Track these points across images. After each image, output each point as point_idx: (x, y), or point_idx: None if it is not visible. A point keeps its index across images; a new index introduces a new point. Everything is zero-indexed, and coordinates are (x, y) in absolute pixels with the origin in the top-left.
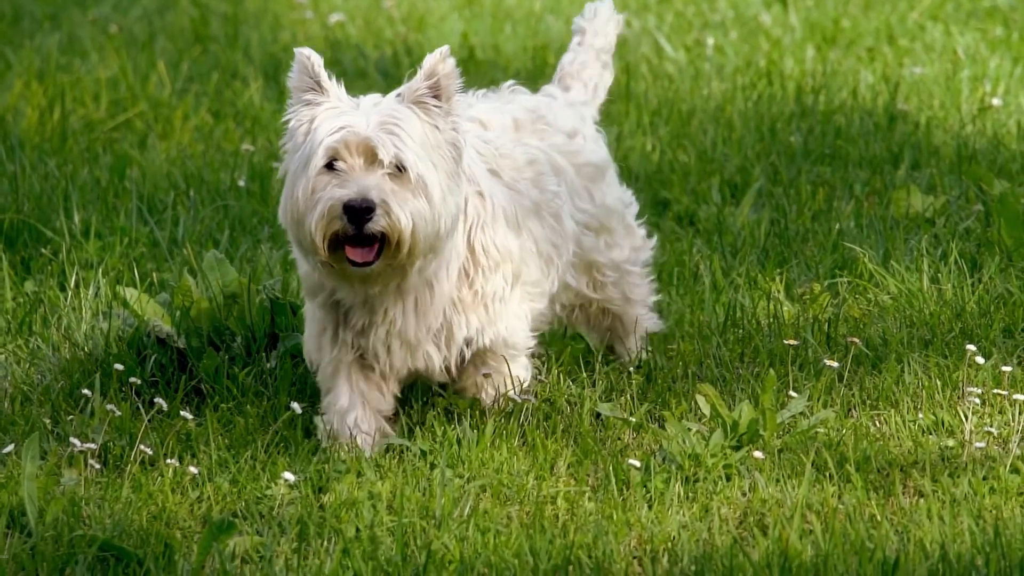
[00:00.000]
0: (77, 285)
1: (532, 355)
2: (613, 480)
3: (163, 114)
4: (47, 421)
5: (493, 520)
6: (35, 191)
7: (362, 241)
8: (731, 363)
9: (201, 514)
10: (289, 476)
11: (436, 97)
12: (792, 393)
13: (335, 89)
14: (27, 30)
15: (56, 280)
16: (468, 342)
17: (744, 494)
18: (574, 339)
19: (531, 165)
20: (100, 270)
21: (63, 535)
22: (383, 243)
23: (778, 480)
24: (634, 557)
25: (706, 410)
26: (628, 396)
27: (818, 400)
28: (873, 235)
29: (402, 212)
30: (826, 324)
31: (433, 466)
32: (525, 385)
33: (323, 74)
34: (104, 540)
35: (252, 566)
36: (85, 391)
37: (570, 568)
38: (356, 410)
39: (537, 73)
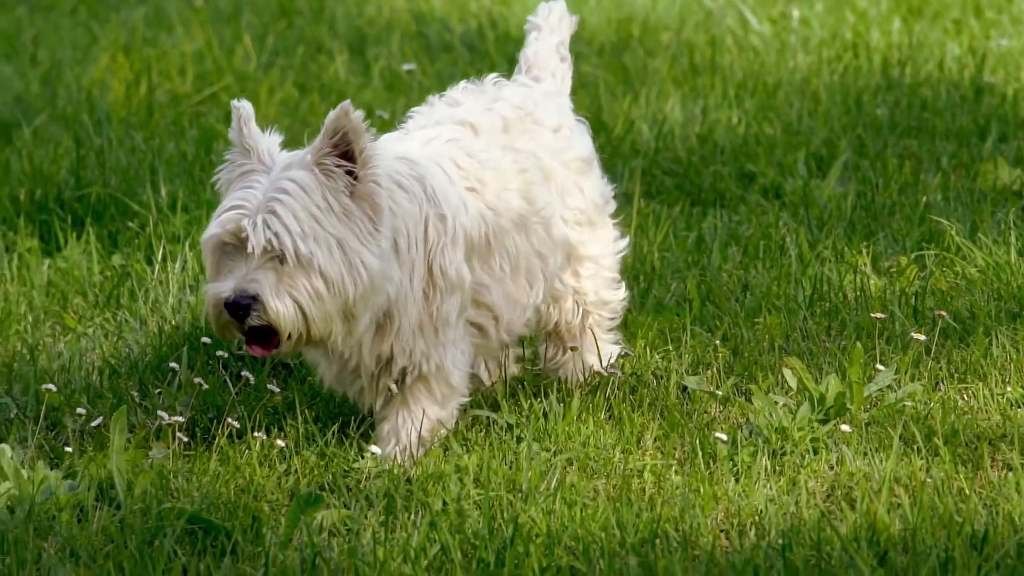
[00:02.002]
0: (164, 259)
1: (460, 404)
2: (700, 453)
3: (249, 88)
4: (135, 394)
5: (580, 493)
6: (122, 165)
7: (255, 334)
8: (818, 336)
9: (288, 487)
10: (376, 449)
11: (344, 155)
12: (879, 366)
13: (259, 145)
14: (113, 4)
15: (143, 254)
16: (408, 369)
17: (831, 467)
18: (659, 312)
19: (520, 175)
20: (187, 243)
21: (151, 508)
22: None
23: (865, 453)
24: (721, 531)
25: (793, 383)
26: (715, 369)
27: (905, 373)
28: (960, 208)
29: (280, 303)
30: (913, 297)
31: (520, 439)
32: (441, 433)
33: (246, 130)
34: (192, 513)
35: (339, 539)
36: (172, 364)
37: (657, 542)
38: None
39: (622, 46)
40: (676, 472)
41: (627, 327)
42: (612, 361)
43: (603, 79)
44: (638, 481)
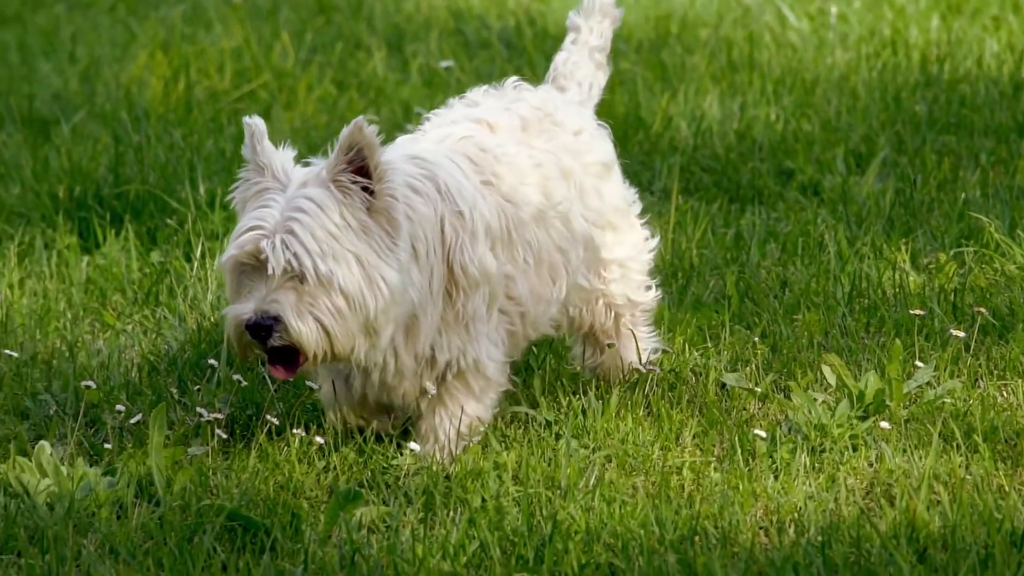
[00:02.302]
0: (203, 255)
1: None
2: (739, 450)
3: (287, 84)
4: (174, 391)
5: (619, 490)
6: (160, 162)
7: (277, 354)
8: (857, 333)
9: (328, 484)
10: (415, 446)
11: (359, 171)
12: (918, 363)
13: (273, 162)
14: (152, 1)
15: (182, 250)
16: (449, 365)
17: (871, 464)
18: (698, 309)
19: (536, 170)
20: (225, 240)
21: (191, 504)
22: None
23: (905, 450)
24: (760, 527)
25: (832, 380)
26: (753, 366)
27: (944, 370)
28: (999, 204)
29: (302, 323)
30: (952, 294)
31: (558, 436)
32: (480, 429)
33: (259, 147)
34: (231, 510)
35: (378, 536)
36: (212, 361)
37: (696, 538)
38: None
39: (660, 43)
40: (715, 469)
41: (665, 324)
42: (650, 357)
43: (641, 76)
44: (677, 478)
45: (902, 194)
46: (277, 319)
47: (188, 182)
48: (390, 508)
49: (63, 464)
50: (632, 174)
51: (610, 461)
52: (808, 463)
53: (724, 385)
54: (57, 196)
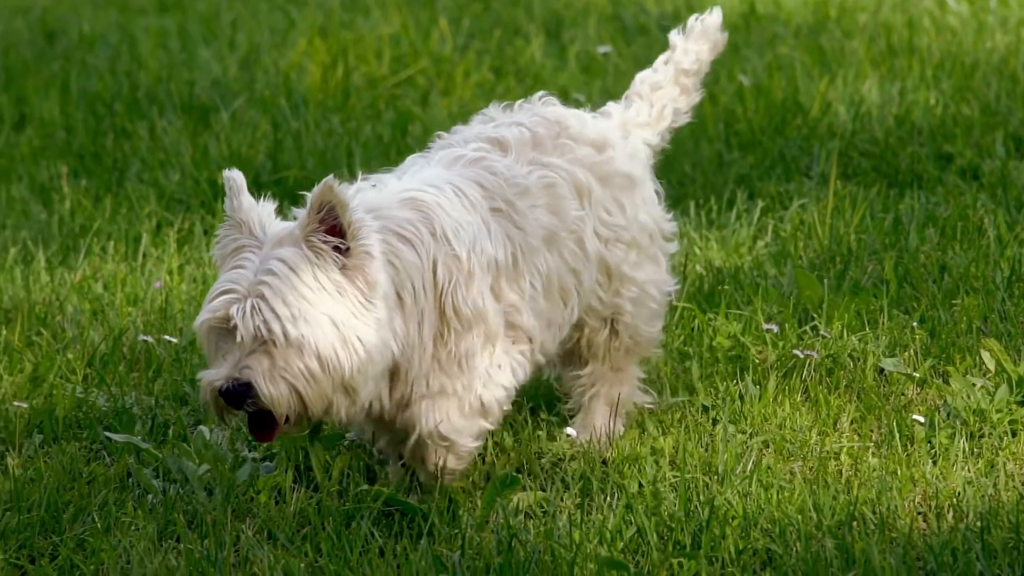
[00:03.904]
0: None
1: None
2: (897, 436)
3: (445, 71)
4: None
5: (776, 476)
6: (319, 148)
7: (256, 419)
8: (1016, 318)
9: (485, 469)
10: (572, 431)
11: (331, 230)
12: None
13: (250, 218)
14: None
15: None
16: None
17: None
18: (856, 294)
19: (548, 190)
20: None
21: (348, 489)
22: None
23: None
24: (919, 513)
25: (991, 365)
26: (912, 351)
27: None
28: None
29: (274, 388)
30: None
31: (716, 422)
32: (459, 451)
33: (237, 202)
34: (389, 495)
35: (535, 521)
36: None
37: (854, 524)
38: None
39: (818, 28)
40: (873, 454)
41: (825, 310)
42: (633, 399)
43: (800, 61)
44: (835, 463)
45: None
46: (249, 385)
47: (346, 168)
48: (547, 493)
49: (222, 449)
50: (790, 159)
51: (767, 446)
52: (967, 448)
53: (882, 370)
54: (216, 183)
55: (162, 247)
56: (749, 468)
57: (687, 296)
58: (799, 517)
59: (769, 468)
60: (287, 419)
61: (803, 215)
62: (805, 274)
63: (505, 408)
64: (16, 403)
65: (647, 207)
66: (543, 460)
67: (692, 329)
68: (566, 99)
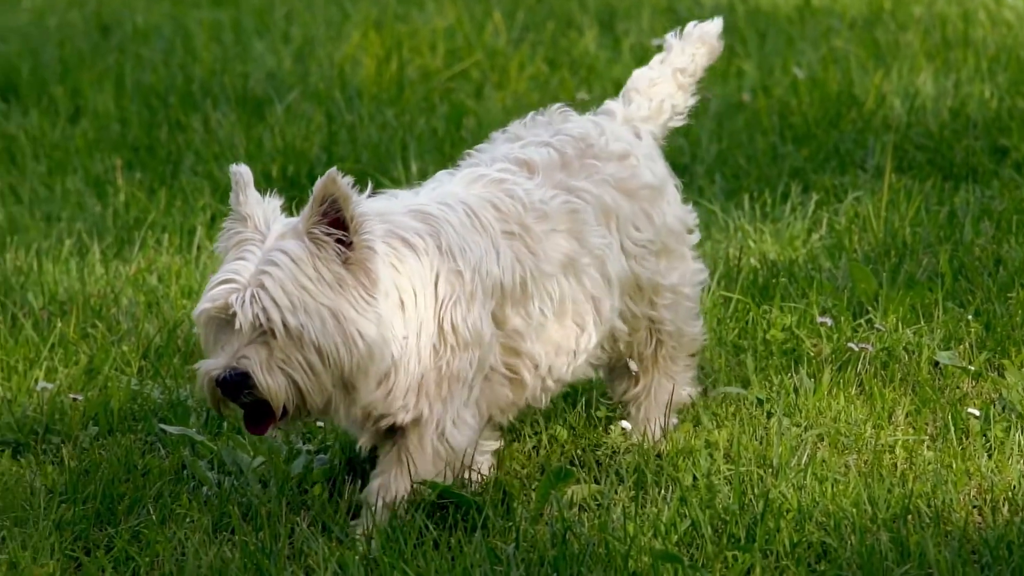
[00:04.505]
0: None
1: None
2: (952, 429)
3: (499, 63)
4: None
5: (831, 469)
6: (373, 141)
7: (252, 411)
8: None
9: (539, 462)
10: (626, 424)
11: (335, 222)
12: None
13: (255, 213)
14: None
15: None
16: (396, 427)
17: None
18: (911, 287)
19: (571, 216)
20: None
21: None
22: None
23: None
24: (974, 506)
25: None
26: (967, 344)
27: None
28: None
29: (271, 378)
30: None
31: (770, 415)
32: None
33: (243, 196)
34: (444, 487)
35: (590, 514)
36: None
37: (908, 517)
38: None
39: (873, 20)
40: (928, 448)
41: (881, 303)
42: (689, 392)
43: (854, 53)
44: (889, 456)
45: None
46: (246, 375)
47: (400, 161)
48: (601, 486)
49: (276, 441)
50: (845, 152)
51: (822, 440)
52: (1022, 442)
53: (937, 363)
54: (271, 175)
55: (216, 239)
56: (804, 461)
57: (741, 289)
58: (854, 510)
59: (824, 461)
60: (284, 412)
61: (858, 208)
62: (860, 267)
63: (469, 451)
64: (71, 395)
65: (672, 208)
66: (598, 453)
67: (747, 322)
68: (619, 92)
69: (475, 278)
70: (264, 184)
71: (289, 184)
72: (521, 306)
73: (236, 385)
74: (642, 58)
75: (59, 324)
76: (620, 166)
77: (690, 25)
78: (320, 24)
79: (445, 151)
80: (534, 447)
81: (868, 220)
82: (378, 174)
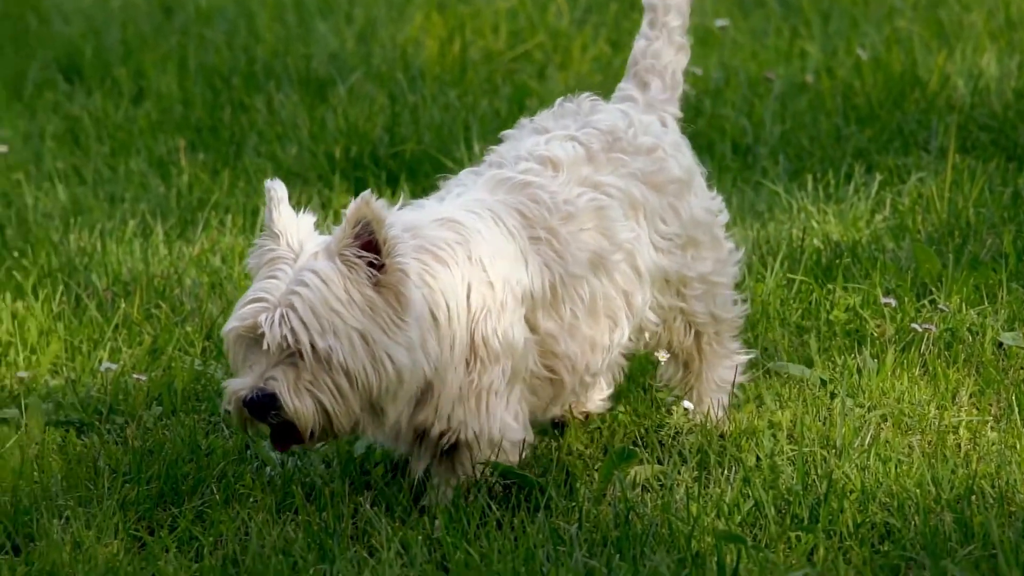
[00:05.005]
0: None
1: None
2: (1016, 410)
3: (562, 45)
4: None
5: (894, 449)
6: (435, 122)
7: (279, 431)
8: None
9: (602, 443)
10: (688, 405)
11: (366, 245)
12: None
13: (288, 230)
14: None
15: None
16: (444, 436)
17: None
18: (975, 268)
19: (598, 213)
20: None
21: None
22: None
23: None
24: None
25: None
26: None
27: None
28: None
29: (299, 401)
30: None
31: (833, 395)
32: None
33: (277, 213)
34: (506, 467)
35: (652, 494)
36: None
37: (972, 498)
38: None
39: (937, 1)
40: (992, 428)
41: (946, 284)
42: (740, 372)
43: (918, 34)
44: (953, 437)
45: None
46: (273, 396)
47: (463, 142)
48: (664, 467)
49: None
50: (909, 133)
51: (885, 420)
52: None
53: (1001, 344)
54: (333, 156)
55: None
56: (867, 442)
57: (805, 270)
58: (917, 491)
59: (887, 442)
60: (312, 433)
61: (921, 189)
62: (923, 248)
63: (520, 449)
64: (135, 376)
65: (699, 199)
66: (660, 433)
67: (810, 303)
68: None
69: (505, 288)
70: (327, 165)
71: (352, 165)
72: (552, 310)
73: (263, 406)
74: (705, 39)
75: (123, 305)
76: (648, 160)
77: None
78: (382, 5)
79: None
80: (597, 427)
81: (932, 201)
82: (440, 155)
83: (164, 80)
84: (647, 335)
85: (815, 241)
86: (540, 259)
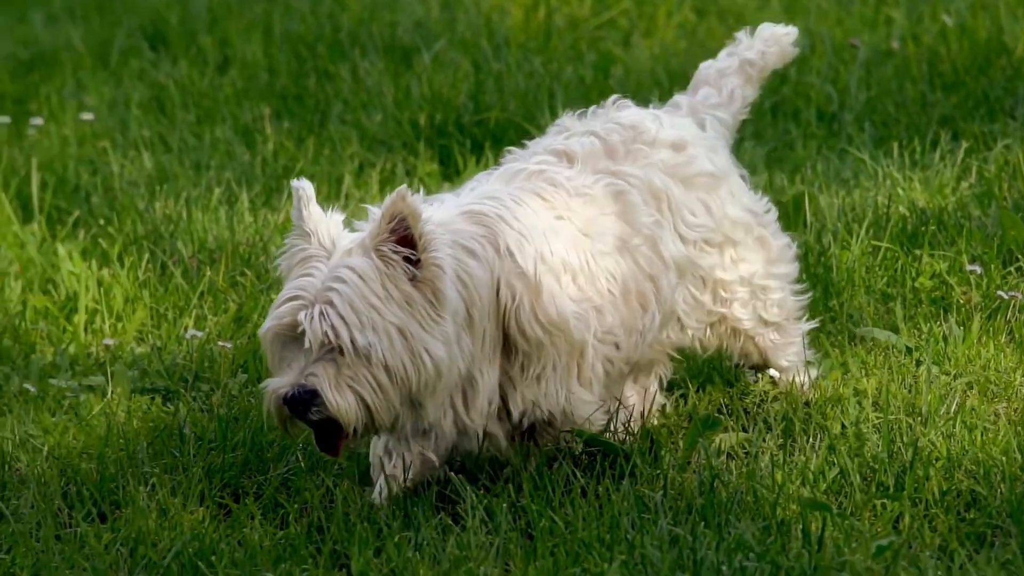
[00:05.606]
0: None
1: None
2: None
3: (647, 12)
4: None
5: (980, 417)
6: (520, 89)
7: (321, 429)
8: None
9: (687, 410)
10: (774, 373)
11: (402, 241)
12: None
13: (319, 229)
14: None
15: None
16: (524, 416)
17: None
18: None
19: (617, 198)
20: None
21: None
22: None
23: None
24: None
25: None
26: None
27: None
28: None
29: (340, 397)
30: None
31: (919, 363)
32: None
33: (307, 212)
34: (590, 435)
35: (737, 462)
36: None
37: None
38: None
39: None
40: None
41: None
42: (798, 369)
43: (1004, 0)
44: None
45: None
46: (315, 393)
47: (547, 109)
48: (749, 434)
49: None
50: (995, 100)
51: (971, 388)
52: None
53: None
54: (418, 124)
55: (364, 188)
56: (953, 409)
57: (890, 237)
58: (1004, 459)
59: (973, 409)
60: (354, 431)
61: (1007, 156)
62: (1010, 215)
63: (598, 419)
64: (221, 343)
65: (735, 199)
66: (745, 401)
67: (895, 270)
68: None
69: (538, 267)
70: (411, 133)
71: (436, 133)
72: (591, 283)
73: (304, 403)
74: (790, 5)
75: (208, 272)
76: (672, 153)
77: (763, 25)
78: None
79: (592, 99)
80: (682, 395)
81: (1018, 168)
82: (525, 123)
83: (249, 48)
84: (690, 333)
85: (901, 208)
86: (570, 233)
